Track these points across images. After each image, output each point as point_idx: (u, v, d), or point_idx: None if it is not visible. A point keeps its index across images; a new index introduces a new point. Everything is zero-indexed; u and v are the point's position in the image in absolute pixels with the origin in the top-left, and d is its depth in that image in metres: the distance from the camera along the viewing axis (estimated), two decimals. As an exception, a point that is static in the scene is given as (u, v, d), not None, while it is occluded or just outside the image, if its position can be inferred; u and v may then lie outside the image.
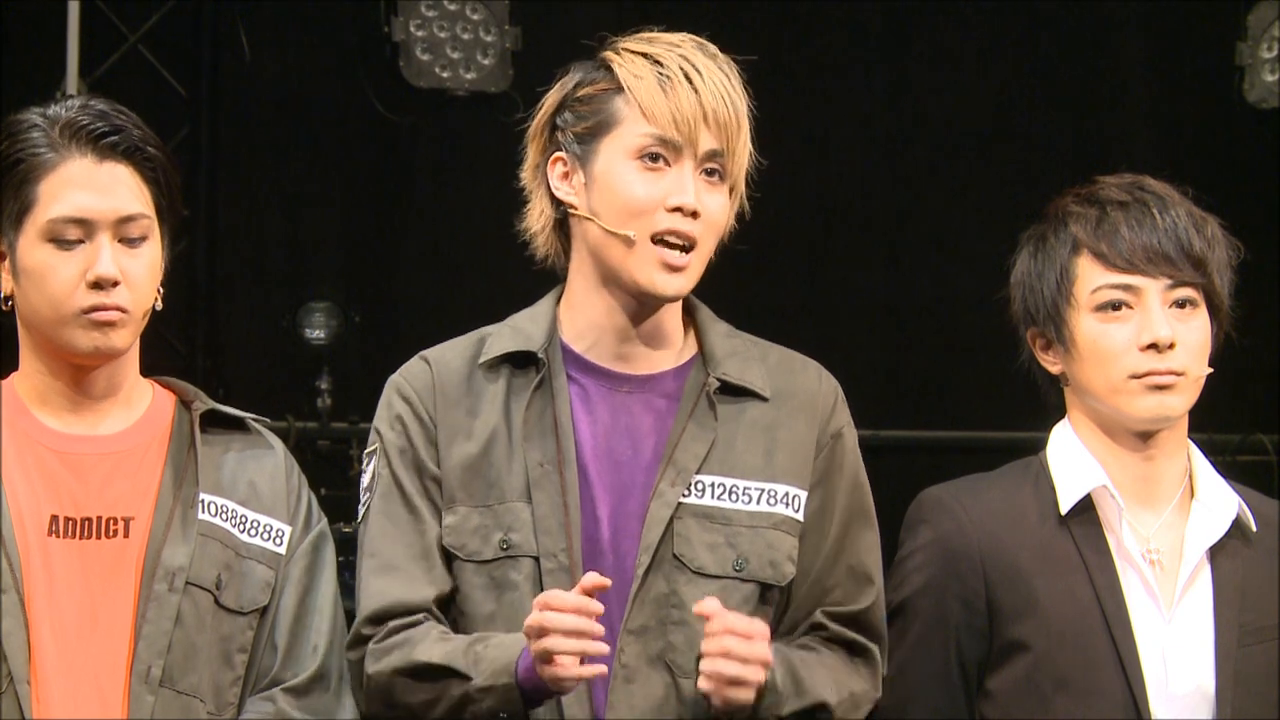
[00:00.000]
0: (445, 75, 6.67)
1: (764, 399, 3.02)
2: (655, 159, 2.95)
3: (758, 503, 2.98)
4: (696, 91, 2.95)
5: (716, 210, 2.98)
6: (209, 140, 6.72)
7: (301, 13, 6.80)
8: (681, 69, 2.95)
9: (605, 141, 2.97)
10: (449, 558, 2.98)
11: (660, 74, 2.95)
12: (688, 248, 2.96)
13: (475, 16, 6.69)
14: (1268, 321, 6.04)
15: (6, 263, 2.97)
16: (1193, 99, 7.04)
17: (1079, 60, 7.11)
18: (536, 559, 2.94)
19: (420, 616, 2.95)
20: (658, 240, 2.95)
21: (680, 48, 2.99)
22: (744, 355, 3.05)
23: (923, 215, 7.08)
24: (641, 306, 3.01)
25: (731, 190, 3.01)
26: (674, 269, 2.96)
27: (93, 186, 2.94)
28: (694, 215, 2.95)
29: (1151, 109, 7.12)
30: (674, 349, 3.05)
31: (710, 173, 2.97)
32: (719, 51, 3.02)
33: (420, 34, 6.67)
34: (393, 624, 2.95)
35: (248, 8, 6.70)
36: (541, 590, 2.90)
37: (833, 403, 3.07)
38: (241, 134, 6.86)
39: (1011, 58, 7.09)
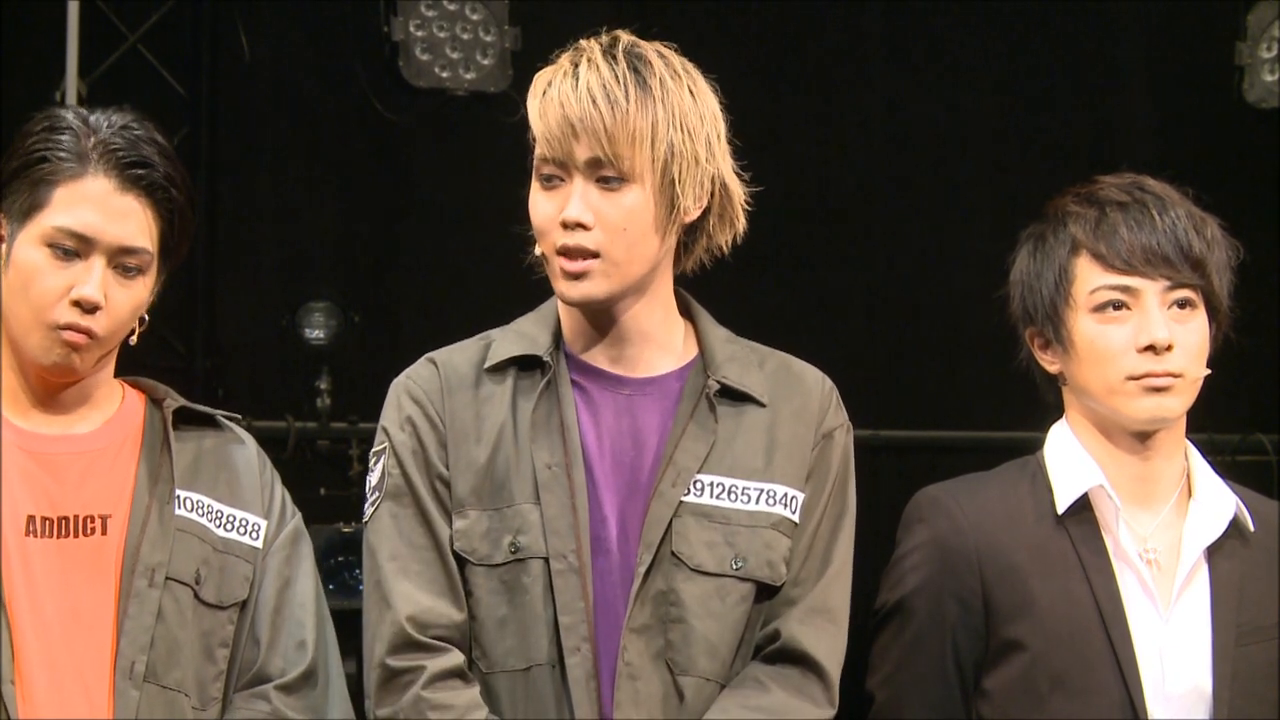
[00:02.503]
0: (445, 75, 6.67)
1: (762, 405, 3.03)
2: (549, 178, 2.96)
3: (756, 502, 2.99)
4: (563, 106, 2.93)
5: (616, 215, 2.94)
6: (208, 140, 6.72)
7: (301, 13, 6.81)
8: (560, 83, 2.94)
9: (533, 163, 3.00)
10: (460, 562, 2.99)
11: (543, 94, 2.95)
12: (590, 256, 2.95)
13: (475, 16, 6.68)
14: (1268, 321, 6.04)
15: (5, 247, 2.98)
16: (1193, 99, 7.04)
17: (1079, 60, 7.11)
18: (546, 560, 2.95)
19: (458, 660, 2.94)
20: (561, 254, 2.96)
21: (579, 55, 2.97)
22: (743, 361, 3.05)
23: (923, 215, 7.09)
24: (592, 312, 3.01)
25: (673, 183, 2.95)
26: (572, 275, 2.95)
27: (105, 209, 2.94)
28: (581, 227, 2.93)
29: (1151, 109, 7.12)
30: (673, 352, 3.06)
31: (605, 180, 2.95)
32: (634, 50, 2.97)
33: (420, 34, 6.66)
34: (436, 652, 2.93)
35: (247, 8, 6.71)
36: (553, 592, 2.93)
37: (829, 404, 3.07)
38: (241, 134, 6.86)
39: (1011, 58, 7.09)
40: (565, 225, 2.94)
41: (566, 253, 2.94)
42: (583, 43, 3.00)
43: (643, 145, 2.94)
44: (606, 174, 2.94)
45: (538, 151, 2.96)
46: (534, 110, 2.96)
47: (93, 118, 2.98)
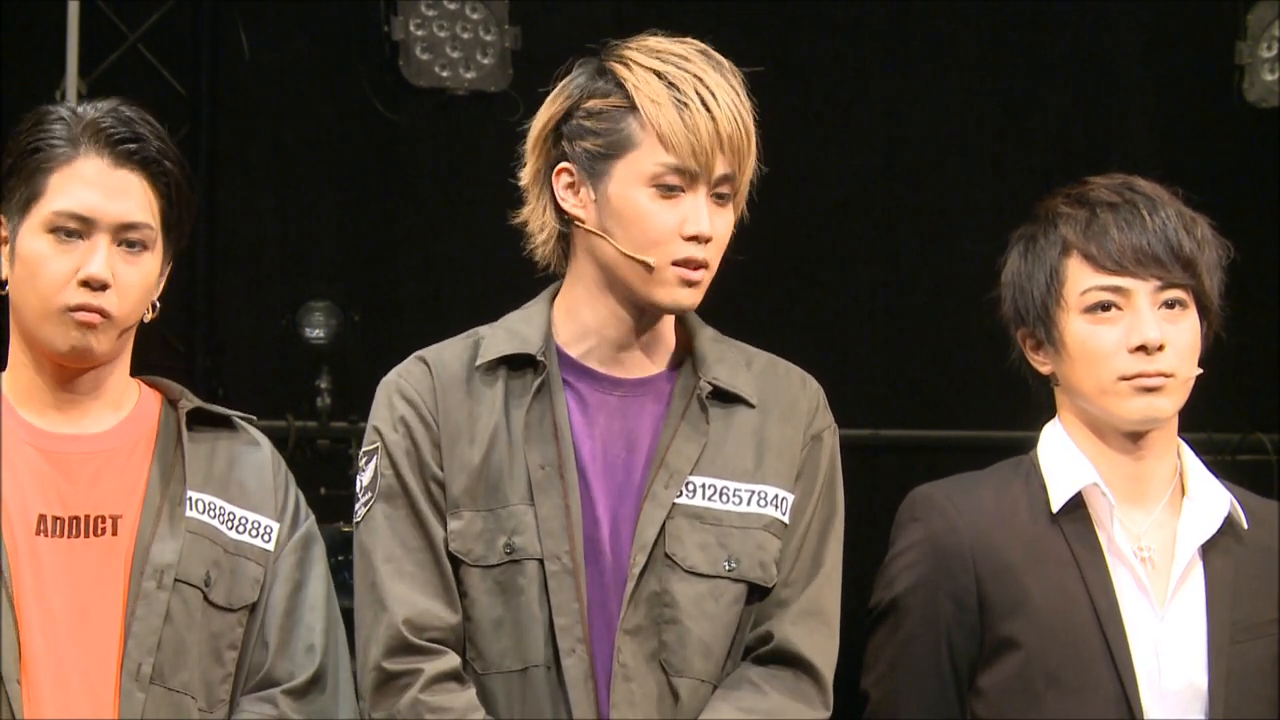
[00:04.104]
0: (445, 75, 6.67)
1: (751, 406, 3.03)
2: (671, 188, 2.95)
3: (748, 504, 2.99)
4: (714, 119, 2.92)
5: (725, 230, 2.98)
6: (209, 140, 6.72)
7: (301, 12, 6.81)
8: (697, 93, 2.93)
9: (620, 164, 2.95)
10: (455, 563, 2.98)
11: (677, 99, 2.92)
12: (704, 268, 2.97)
13: (475, 16, 6.69)
14: (1267, 321, 6.03)
15: (8, 248, 2.98)
16: (1193, 99, 7.04)
17: (1079, 60, 7.11)
18: (541, 561, 2.94)
19: (454, 663, 2.94)
20: (682, 265, 2.96)
21: (690, 63, 2.95)
22: (731, 361, 3.06)
23: (922, 215, 7.09)
24: (644, 316, 3.01)
25: (735, 201, 3.01)
26: (691, 284, 2.96)
27: (102, 187, 2.94)
28: (707, 241, 2.96)
29: (1151, 109, 7.12)
30: (665, 353, 3.06)
31: (721, 195, 2.97)
32: (723, 60, 2.99)
33: (420, 33, 6.67)
34: (432, 655, 2.93)
35: (248, 7, 6.71)
36: (548, 593, 2.93)
37: (816, 405, 3.07)
38: (241, 134, 6.86)
39: (1011, 58, 7.10)
40: (698, 239, 2.94)
41: (690, 264, 2.95)
42: (666, 43, 2.98)
43: (752, 163, 2.99)
44: (724, 190, 2.97)
45: (664, 159, 2.92)
46: (668, 117, 2.91)
47: (81, 107, 2.99)
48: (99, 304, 2.92)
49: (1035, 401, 3.22)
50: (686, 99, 2.93)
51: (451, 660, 2.94)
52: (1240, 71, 6.81)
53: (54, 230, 2.93)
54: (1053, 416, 3.19)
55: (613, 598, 2.94)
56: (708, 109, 2.93)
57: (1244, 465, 6.62)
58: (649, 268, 2.95)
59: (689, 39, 3.01)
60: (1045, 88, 7.09)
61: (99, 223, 2.93)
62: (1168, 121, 7.05)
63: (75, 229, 2.93)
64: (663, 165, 2.94)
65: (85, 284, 2.92)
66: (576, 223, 3.00)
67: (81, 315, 2.92)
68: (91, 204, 2.93)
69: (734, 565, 2.98)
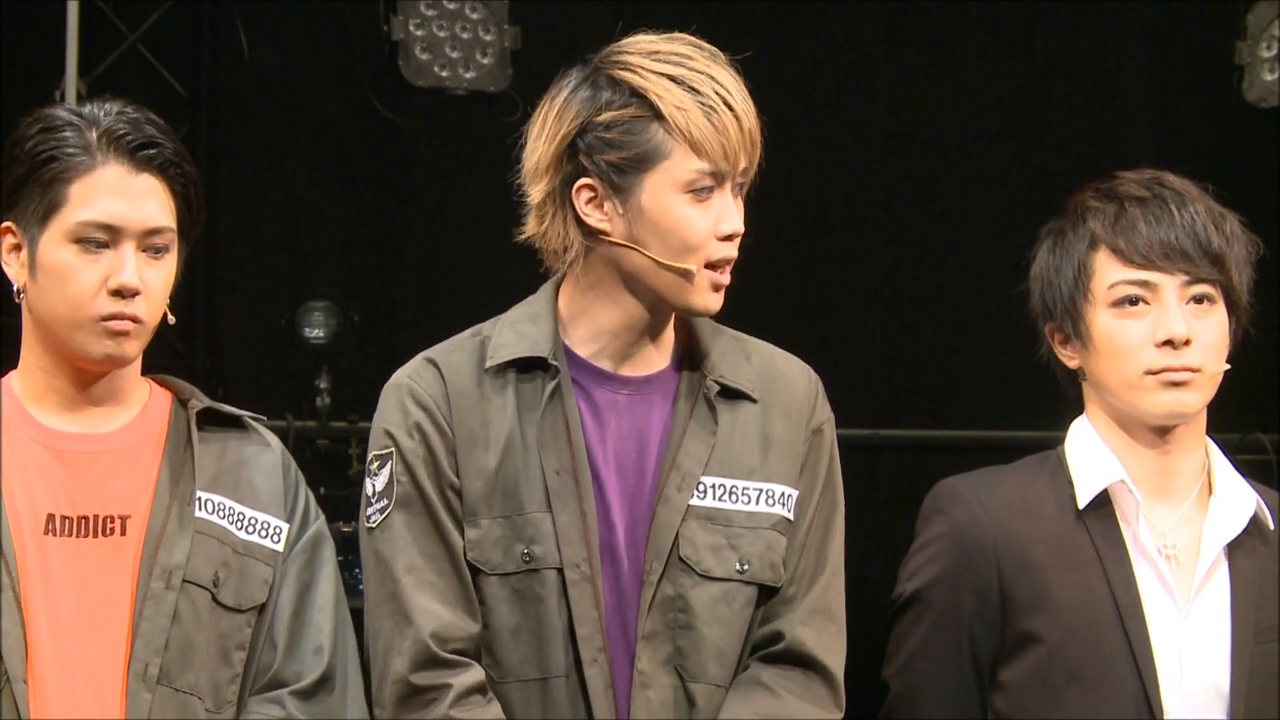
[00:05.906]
0: (444, 74, 6.67)
1: (754, 400, 3.02)
2: (706, 190, 2.94)
3: (756, 503, 2.98)
4: (738, 117, 2.92)
5: (742, 224, 2.97)
6: (208, 140, 6.72)
7: (301, 12, 6.81)
8: (718, 94, 2.92)
9: (650, 176, 2.92)
10: (472, 571, 2.96)
11: (702, 104, 2.91)
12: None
13: (474, 16, 6.69)
14: (1267, 321, 6.03)
15: (23, 254, 2.97)
16: (1193, 99, 7.04)
17: (1079, 60, 7.11)
18: (560, 570, 2.93)
19: (480, 676, 2.92)
20: (718, 267, 2.95)
21: (695, 62, 2.94)
22: (732, 355, 3.04)
23: (924, 213, 7.09)
24: (656, 317, 2.99)
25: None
26: (720, 286, 2.96)
27: (125, 195, 2.94)
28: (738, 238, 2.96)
29: (1151, 109, 7.12)
30: (668, 348, 3.04)
31: (739, 187, 2.97)
32: (719, 53, 2.98)
33: (419, 33, 6.67)
34: (459, 669, 2.91)
35: (247, 7, 6.71)
36: (568, 602, 2.92)
37: (815, 399, 3.07)
38: (241, 133, 6.86)
39: (1011, 58, 7.10)
40: (731, 238, 2.94)
41: (725, 265, 2.95)
42: (662, 44, 2.97)
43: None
44: (742, 180, 2.96)
45: (698, 166, 2.92)
46: (698, 123, 2.90)
47: (87, 110, 2.98)
48: (131, 311, 2.92)
49: (1055, 399, 3.22)
50: (711, 103, 2.92)
51: (477, 674, 2.92)
52: (1240, 71, 6.81)
53: (80, 240, 2.93)
54: (1079, 413, 3.19)
55: (628, 603, 2.93)
56: (731, 109, 2.92)
57: (1244, 465, 6.61)
58: (689, 275, 2.94)
59: (677, 34, 2.99)
60: (1045, 87, 7.10)
61: (125, 230, 2.93)
62: (1168, 121, 7.05)
63: (103, 239, 2.93)
64: (697, 171, 2.92)
65: (117, 293, 2.91)
66: (601, 236, 2.96)
67: (115, 324, 2.92)
68: (118, 213, 2.93)
69: (745, 567, 2.97)
